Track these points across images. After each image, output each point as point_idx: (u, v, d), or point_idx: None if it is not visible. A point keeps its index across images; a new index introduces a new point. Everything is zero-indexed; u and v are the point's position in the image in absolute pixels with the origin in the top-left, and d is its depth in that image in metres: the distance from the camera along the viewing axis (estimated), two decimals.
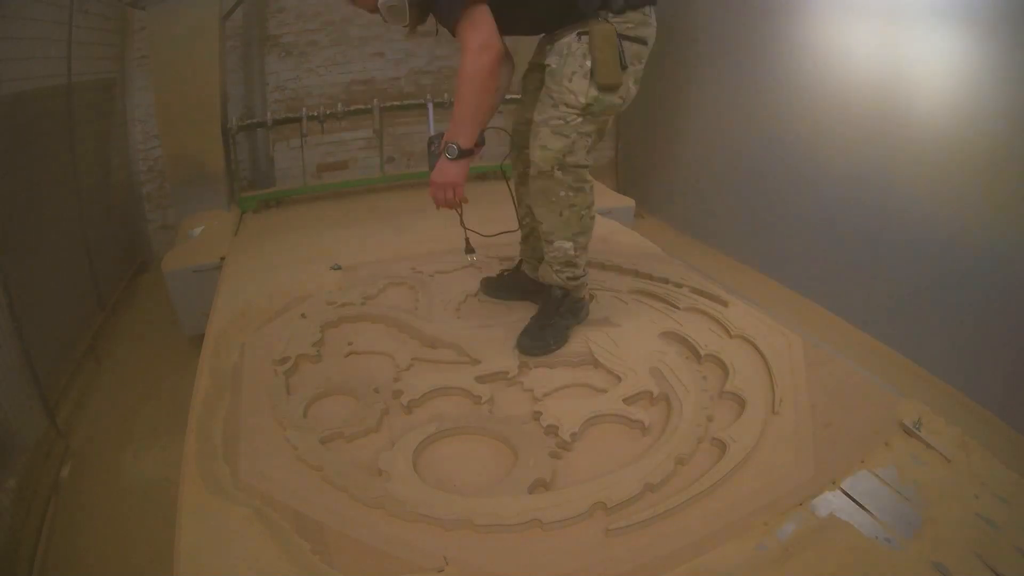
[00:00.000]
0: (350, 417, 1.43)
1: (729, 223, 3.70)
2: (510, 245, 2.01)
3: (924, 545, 1.06)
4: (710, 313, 1.83)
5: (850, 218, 2.85)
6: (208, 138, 3.08)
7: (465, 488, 1.22)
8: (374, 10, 1.49)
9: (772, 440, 1.31)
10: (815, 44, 2.96)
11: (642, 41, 1.53)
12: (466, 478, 1.26)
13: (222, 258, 2.63)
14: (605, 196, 3.45)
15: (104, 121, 3.47)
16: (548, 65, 1.55)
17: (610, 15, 1.47)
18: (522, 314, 1.89)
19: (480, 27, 1.39)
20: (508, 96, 1.80)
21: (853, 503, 1.16)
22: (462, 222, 1.76)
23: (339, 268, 2.29)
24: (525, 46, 1.90)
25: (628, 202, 3.39)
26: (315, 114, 3.29)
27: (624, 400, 1.45)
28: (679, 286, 2.02)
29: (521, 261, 1.98)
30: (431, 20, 1.54)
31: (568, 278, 1.70)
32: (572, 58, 1.49)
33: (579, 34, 1.49)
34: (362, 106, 3.42)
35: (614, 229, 2.68)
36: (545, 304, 1.74)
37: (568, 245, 1.65)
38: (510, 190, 1.91)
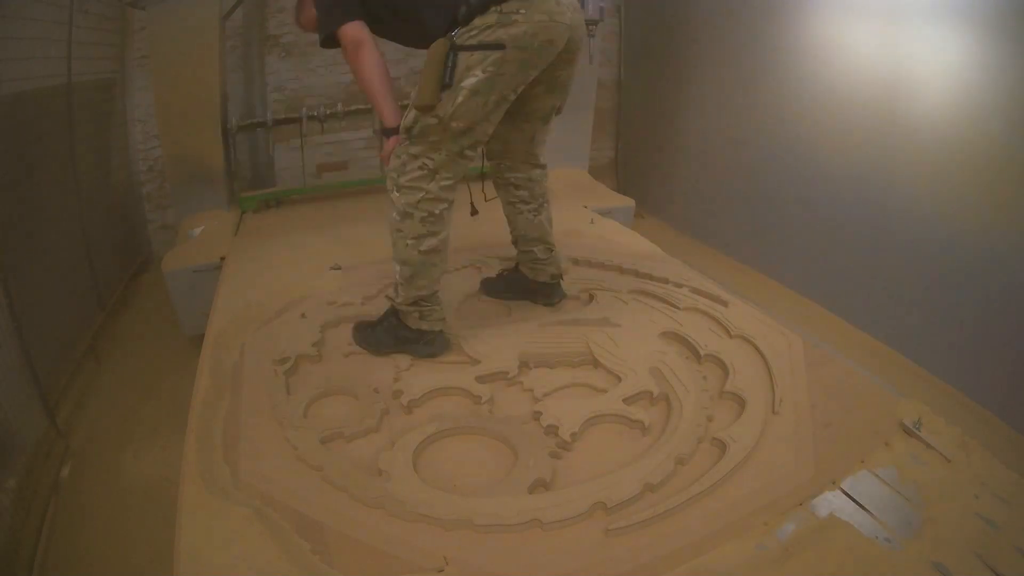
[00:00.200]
0: (350, 417, 1.43)
1: (729, 223, 3.70)
2: (510, 246, 2.00)
3: (924, 545, 1.06)
4: (710, 313, 1.83)
5: (850, 218, 2.85)
6: (208, 138, 3.08)
7: (465, 488, 1.22)
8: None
9: (772, 440, 1.31)
10: (815, 44, 2.96)
11: (493, 46, 1.39)
12: (466, 478, 1.26)
13: (222, 258, 2.62)
14: (605, 196, 3.45)
15: (104, 121, 3.47)
16: None
17: (457, 29, 1.40)
18: (522, 314, 1.89)
19: (346, 31, 1.49)
20: None
21: (853, 503, 1.16)
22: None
23: (339, 268, 2.28)
24: None
25: (628, 202, 3.39)
26: (315, 114, 3.29)
27: (624, 400, 1.45)
28: (679, 286, 2.02)
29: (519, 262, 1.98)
30: None
31: (390, 297, 1.68)
32: None
33: None
34: (362, 106, 3.42)
35: (614, 229, 2.68)
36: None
37: (397, 268, 1.60)
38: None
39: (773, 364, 1.57)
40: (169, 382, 2.59)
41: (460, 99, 1.42)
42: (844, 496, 1.17)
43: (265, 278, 2.23)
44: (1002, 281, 2.22)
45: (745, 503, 1.16)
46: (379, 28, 1.57)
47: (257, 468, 1.27)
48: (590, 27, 3.39)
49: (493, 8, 1.38)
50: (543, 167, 1.85)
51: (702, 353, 1.64)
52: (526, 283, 1.94)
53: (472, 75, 1.40)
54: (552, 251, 1.89)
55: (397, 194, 1.55)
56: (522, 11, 1.38)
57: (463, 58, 1.40)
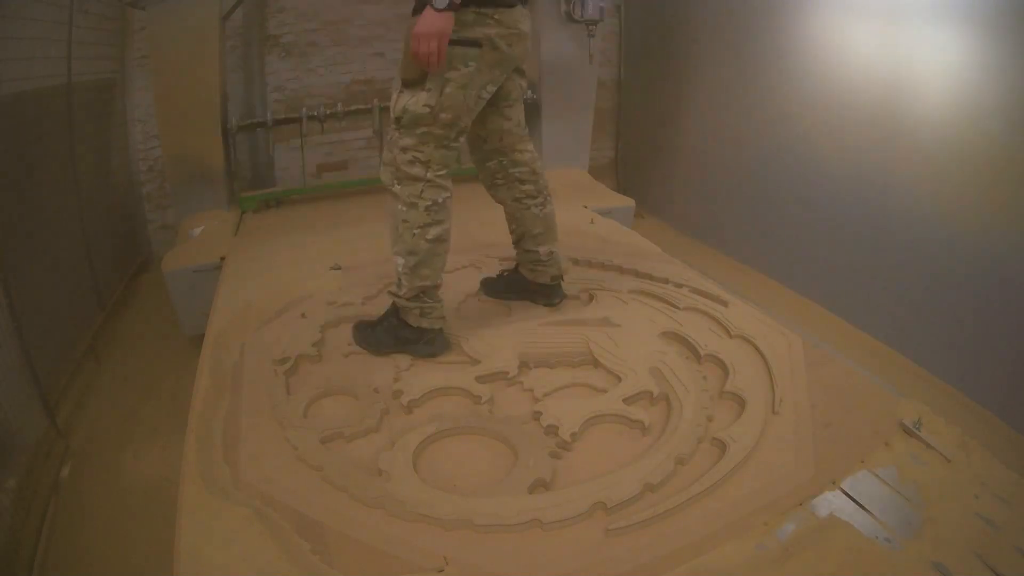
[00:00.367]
0: (350, 417, 1.43)
1: (729, 223, 3.70)
2: (510, 246, 2.00)
3: (924, 545, 1.06)
4: (710, 313, 1.83)
5: (850, 218, 2.85)
6: (208, 138, 3.08)
7: (465, 488, 1.22)
8: None
9: (772, 440, 1.31)
10: (815, 44, 2.96)
11: (471, 43, 1.48)
12: (466, 478, 1.26)
13: (222, 258, 2.62)
14: (605, 196, 3.45)
15: (104, 121, 3.47)
16: None
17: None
18: (522, 314, 1.89)
19: None
20: None
21: (853, 503, 1.16)
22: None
23: (339, 268, 2.29)
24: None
25: (628, 202, 3.39)
26: (315, 114, 3.29)
27: (624, 400, 1.45)
28: (679, 286, 2.02)
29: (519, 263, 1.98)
30: None
31: (393, 292, 1.69)
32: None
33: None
34: (362, 106, 3.42)
35: (614, 229, 2.68)
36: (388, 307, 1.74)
37: (400, 261, 1.62)
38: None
39: (773, 364, 1.57)
40: (169, 382, 2.59)
41: (448, 90, 1.50)
42: (844, 496, 1.17)
43: (265, 278, 2.24)
44: (1002, 281, 2.22)
45: (745, 503, 1.16)
46: None
47: (257, 468, 1.27)
48: (590, 27, 3.40)
49: (472, 7, 1.46)
50: (531, 141, 1.86)
51: (702, 353, 1.64)
52: (526, 284, 1.94)
53: (455, 69, 1.49)
54: (554, 252, 1.89)
55: (399, 187, 1.59)
56: (496, 16, 1.50)
57: (447, 52, 1.47)
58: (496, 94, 1.67)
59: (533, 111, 3.60)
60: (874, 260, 2.75)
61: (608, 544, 1.09)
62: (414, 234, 1.60)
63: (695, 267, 2.29)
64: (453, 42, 1.46)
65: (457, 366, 1.64)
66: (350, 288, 2.09)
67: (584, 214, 2.87)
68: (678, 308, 1.88)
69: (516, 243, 1.92)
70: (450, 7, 1.41)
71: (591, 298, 1.96)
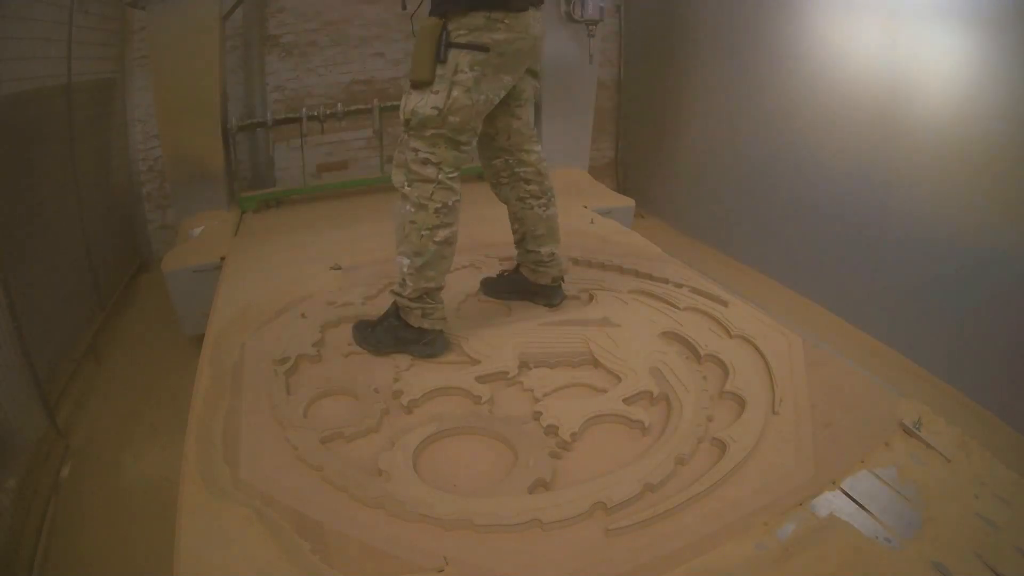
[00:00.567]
0: (350, 417, 1.43)
1: (729, 223, 3.70)
2: (510, 245, 2.01)
3: (924, 545, 1.06)
4: (710, 313, 1.83)
5: (850, 218, 2.85)
6: (208, 138, 3.08)
7: (465, 488, 1.22)
8: None
9: (772, 440, 1.31)
10: (815, 44, 2.96)
11: (479, 48, 1.49)
12: (466, 478, 1.26)
13: (222, 258, 2.62)
14: (605, 196, 3.45)
15: (104, 121, 3.47)
16: None
17: (447, 17, 1.48)
18: (522, 314, 1.89)
19: None
20: None
21: (853, 503, 1.16)
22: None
23: (339, 268, 2.29)
24: None
25: (628, 202, 3.39)
26: (315, 114, 3.29)
27: (624, 400, 1.45)
28: (679, 286, 2.02)
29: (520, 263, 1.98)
30: None
31: (396, 292, 1.68)
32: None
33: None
34: (362, 106, 3.42)
35: (614, 229, 2.68)
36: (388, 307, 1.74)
37: (405, 262, 1.62)
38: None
39: (773, 364, 1.57)
40: (169, 382, 2.59)
41: (455, 94, 1.50)
42: (844, 496, 1.17)
43: (265, 278, 2.23)
44: (1002, 281, 2.22)
45: (745, 503, 1.16)
46: None
47: (257, 468, 1.27)
48: (590, 27, 3.40)
49: (483, 12, 1.46)
50: (539, 143, 1.87)
51: (702, 353, 1.64)
52: (527, 284, 1.94)
53: (462, 73, 1.50)
54: (555, 253, 1.89)
55: (409, 188, 1.59)
56: (506, 21, 1.50)
57: (453, 55, 1.49)
58: (508, 94, 1.67)
59: (533, 111, 3.59)
60: (874, 260, 2.75)
61: (608, 544, 1.09)
62: (422, 235, 1.60)
63: (695, 267, 2.29)
64: (462, 46, 1.47)
65: (457, 366, 1.64)
66: (350, 288, 2.09)
67: (584, 214, 2.87)
68: (678, 308, 1.88)
69: (518, 243, 1.92)
70: None
71: (591, 298, 1.96)
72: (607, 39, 4.26)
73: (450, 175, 1.59)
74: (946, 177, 2.41)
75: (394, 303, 1.70)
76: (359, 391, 1.52)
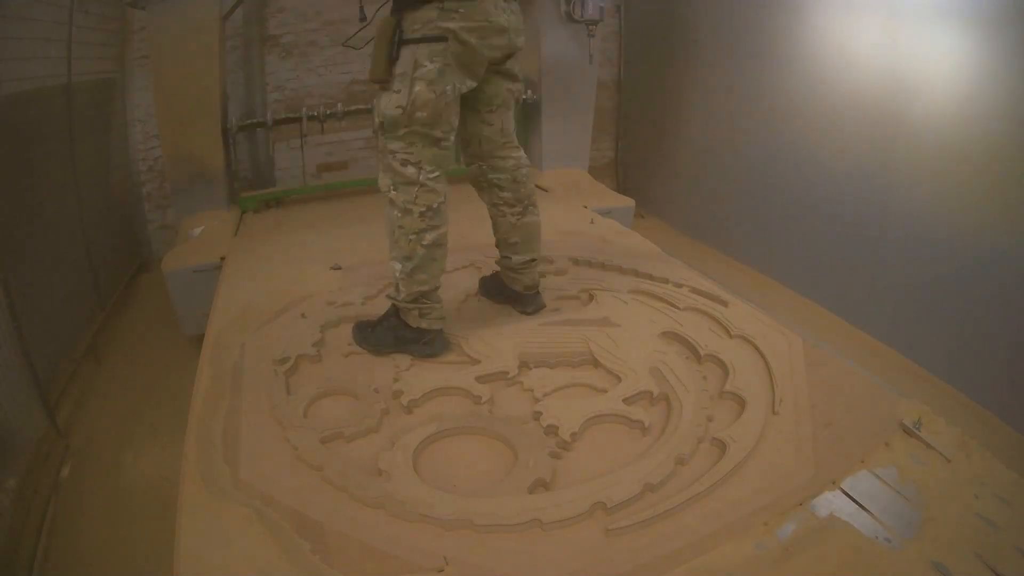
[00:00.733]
0: (350, 417, 1.43)
1: (729, 223, 3.70)
2: None
3: (924, 545, 1.06)
4: (710, 313, 1.83)
5: (850, 218, 2.85)
6: (208, 138, 3.08)
7: (465, 488, 1.22)
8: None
9: (772, 440, 1.31)
10: (815, 44, 2.97)
11: (435, 39, 1.48)
12: (466, 478, 1.26)
13: (222, 258, 2.62)
14: (605, 196, 3.45)
15: (104, 121, 3.47)
16: None
17: (404, 13, 1.48)
18: (522, 314, 1.89)
19: None
20: None
21: (853, 503, 1.16)
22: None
23: (339, 268, 2.29)
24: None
25: (628, 202, 3.39)
26: (315, 114, 3.29)
27: (624, 400, 1.45)
28: (679, 286, 2.02)
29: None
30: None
31: (392, 296, 1.69)
32: None
33: None
34: (362, 106, 3.42)
35: (614, 229, 2.68)
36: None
37: (397, 266, 1.62)
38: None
39: (773, 364, 1.56)
40: (169, 382, 2.59)
41: (417, 89, 1.50)
42: (844, 496, 1.17)
43: (265, 278, 2.23)
44: (1002, 281, 2.22)
45: (745, 503, 1.15)
46: None
47: (257, 468, 1.27)
48: (590, 27, 3.40)
49: (435, 3, 1.46)
50: (519, 149, 1.82)
51: (702, 353, 1.64)
52: (504, 288, 1.93)
53: (423, 66, 1.49)
54: (532, 262, 1.86)
55: (395, 192, 1.59)
56: (460, 10, 1.48)
57: (411, 50, 1.49)
58: (477, 98, 1.66)
59: (533, 111, 3.60)
60: (874, 260, 2.75)
61: (608, 544, 1.09)
62: (410, 240, 1.59)
63: (695, 267, 2.29)
64: (417, 40, 1.47)
65: (457, 366, 1.63)
66: (350, 288, 2.09)
67: (584, 214, 2.87)
68: (678, 308, 1.88)
69: (497, 246, 1.91)
70: None
71: (591, 298, 1.96)
72: (607, 39, 4.27)
73: (431, 175, 1.58)
74: (946, 177, 2.41)
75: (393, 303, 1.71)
76: (359, 391, 1.52)
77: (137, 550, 1.78)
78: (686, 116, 3.99)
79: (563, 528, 1.11)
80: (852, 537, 1.08)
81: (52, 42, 2.70)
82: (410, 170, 1.56)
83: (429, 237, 1.60)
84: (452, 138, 1.62)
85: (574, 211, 2.90)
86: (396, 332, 1.68)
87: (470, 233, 2.18)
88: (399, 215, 1.59)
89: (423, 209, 1.58)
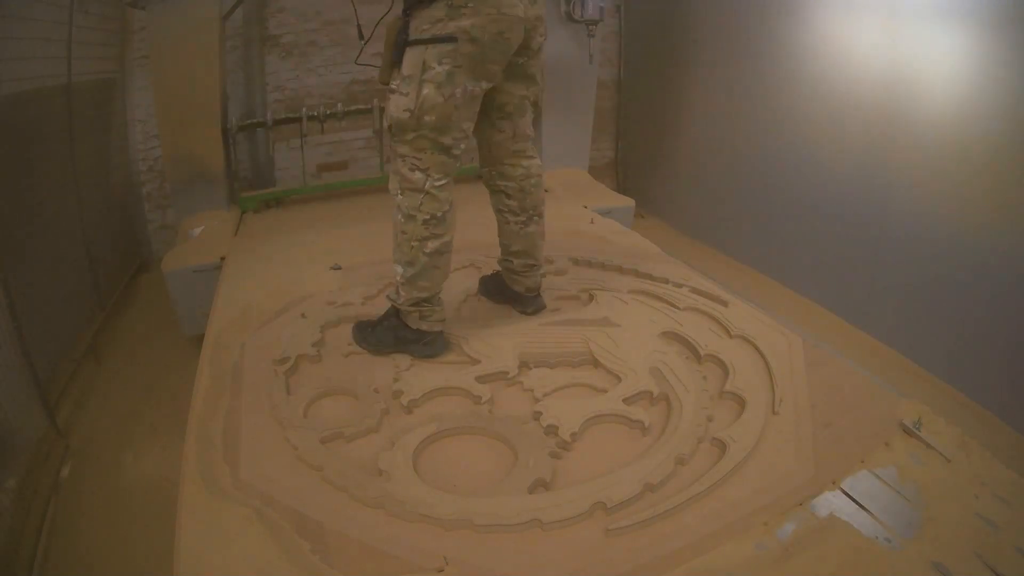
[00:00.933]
0: (350, 417, 1.43)
1: (729, 223, 3.70)
2: None
3: (924, 545, 1.06)
4: (710, 313, 1.83)
5: (850, 218, 2.85)
6: (208, 138, 3.08)
7: (465, 488, 1.22)
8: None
9: (772, 440, 1.31)
10: (815, 44, 2.96)
11: (444, 39, 1.42)
12: (466, 478, 1.26)
13: (222, 258, 2.62)
14: (605, 196, 3.45)
15: (104, 121, 3.47)
16: None
17: (409, 14, 1.45)
18: (522, 314, 1.89)
19: None
20: None
21: (853, 503, 1.16)
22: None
23: (339, 268, 2.29)
24: None
25: (628, 202, 3.39)
26: (315, 114, 3.29)
27: (624, 400, 1.45)
28: (679, 286, 2.02)
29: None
30: None
31: (392, 298, 1.68)
32: None
33: None
34: (362, 106, 3.42)
35: (614, 229, 2.68)
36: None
37: (399, 270, 1.61)
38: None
39: (773, 364, 1.56)
40: (169, 382, 2.59)
41: (425, 92, 1.46)
42: (844, 496, 1.17)
43: (265, 278, 2.23)
44: (1002, 281, 2.22)
45: (745, 503, 1.16)
46: None
47: (257, 468, 1.27)
48: (590, 27, 3.40)
49: (443, 2, 1.41)
50: (533, 158, 1.79)
51: (702, 353, 1.64)
52: (505, 289, 1.93)
53: (430, 68, 1.45)
54: (533, 267, 1.86)
55: (401, 197, 1.58)
56: (470, 5, 1.41)
57: (419, 52, 1.45)
58: (489, 103, 1.63)
59: (533, 111, 3.59)
60: (874, 260, 2.75)
61: (608, 544, 1.09)
62: (412, 246, 1.58)
63: (695, 267, 2.29)
64: (425, 41, 1.43)
65: (457, 366, 1.63)
66: (350, 288, 2.09)
67: (584, 214, 2.87)
68: (678, 308, 1.88)
69: (500, 247, 1.91)
70: None
71: (591, 298, 1.96)
72: (607, 39, 4.26)
73: (438, 183, 1.55)
74: (946, 177, 2.41)
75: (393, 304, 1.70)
76: (359, 391, 1.52)
77: (137, 550, 1.78)
78: (686, 116, 3.99)
79: (563, 528, 1.11)
80: (852, 537, 1.08)
81: (52, 42, 2.70)
82: (417, 176, 1.54)
83: (432, 245, 1.58)
84: (463, 146, 1.58)
85: (574, 211, 2.90)
86: (396, 332, 1.68)
87: (470, 233, 2.18)
88: (403, 220, 1.58)
89: (427, 217, 1.56)
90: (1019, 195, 2.16)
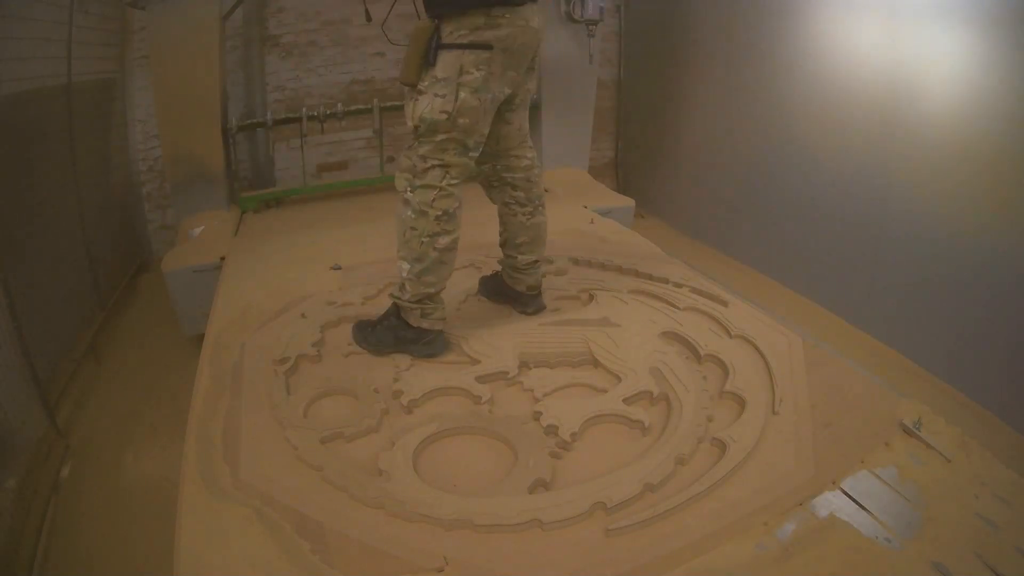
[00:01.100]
0: (350, 417, 1.43)
1: (729, 223, 3.70)
2: None
3: (924, 545, 1.06)
4: (710, 313, 1.83)
5: (851, 218, 2.85)
6: (208, 138, 3.08)
7: (465, 488, 1.22)
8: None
9: (772, 440, 1.31)
10: (815, 44, 2.96)
11: (482, 47, 1.48)
12: (466, 478, 1.26)
13: (222, 258, 2.63)
14: (605, 196, 3.45)
15: (104, 121, 3.47)
16: None
17: (442, 19, 1.48)
18: (522, 314, 1.89)
19: None
20: None
21: (853, 503, 1.16)
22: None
23: (339, 268, 2.29)
24: None
25: (628, 202, 3.39)
26: (315, 114, 3.29)
27: (624, 400, 1.45)
28: (679, 286, 2.02)
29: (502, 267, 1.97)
30: None
31: (395, 296, 1.68)
32: None
33: None
34: (362, 106, 3.42)
35: (614, 229, 2.68)
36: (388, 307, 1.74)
37: (405, 266, 1.62)
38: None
39: (773, 364, 1.56)
40: (169, 382, 2.59)
41: (463, 95, 1.49)
42: (844, 496, 1.17)
43: (265, 278, 2.23)
44: (1002, 281, 2.22)
45: (745, 503, 1.16)
46: None
47: (257, 468, 1.27)
48: (590, 27, 3.40)
49: (482, 10, 1.46)
50: (533, 148, 1.84)
51: (702, 353, 1.64)
52: (505, 288, 1.93)
53: (468, 73, 1.49)
54: (537, 263, 1.86)
55: (411, 193, 1.59)
56: (507, 16, 1.48)
57: (456, 56, 1.48)
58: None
59: (533, 111, 3.59)
60: (874, 260, 2.75)
61: (608, 544, 1.09)
62: (422, 242, 1.59)
63: (695, 267, 2.29)
64: (464, 46, 1.47)
65: (457, 366, 1.63)
66: (350, 288, 2.09)
67: (584, 214, 2.87)
68: (678, 308, 1.88)
69: (501, 246, 1.91)
70: None
71: (591, 298, 1.96)
72: (607, 39, 4.26)
73: (453, 181, 1.58)
74: (946, 177, 2.41)
75: (394, 303, 1.70)
76: (359, 391, 1.52)
77: (137, 550, 1.78)
78: (686, 116, 3.99)
79: (563, 528, 1.11)
80: (852, 537, 1.08)
81: (52, 42, 2.70)
82: (435, 173, 1.56)
83: (443, 241, 1.60)
84: (480, 149, 1.62)
85: (574, 211, 2.90)
86: (396, 332, 1.68)
87: (469, 233, 2.18)
88: (414, 216, 1.59)
89: (439, 213, 1.57)
90: (1019, 195, 2.16)
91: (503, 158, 1.78)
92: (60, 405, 2.41)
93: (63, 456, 2.19)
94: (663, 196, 4.30)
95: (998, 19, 2.16)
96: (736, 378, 1.52)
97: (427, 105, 1.50)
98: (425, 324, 1.66)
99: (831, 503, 1.16)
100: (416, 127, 1.54)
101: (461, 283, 2.07)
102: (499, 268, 2.00)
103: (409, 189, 1.59)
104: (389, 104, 3.33)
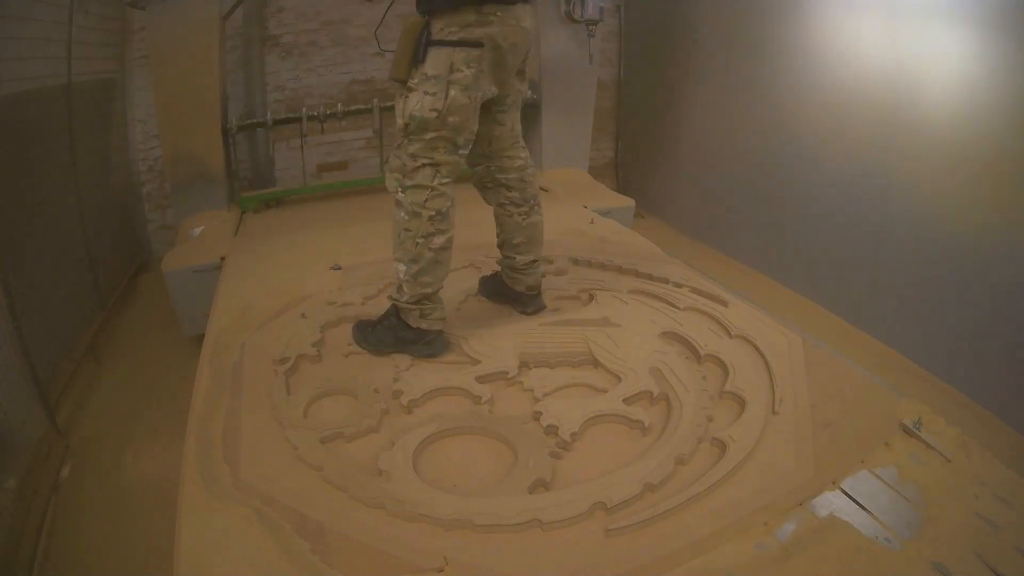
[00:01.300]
0: (350, 417, 1.43)
1: (729, 223, 3.71)
2: None
3: (924, 545, 1.06)
4: (710, 313, 1.83)
5: (851, 218, 2.85)
6: (208, 138, 3.08)
7: (465, 488, 1.22)
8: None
9: (772, 440, 1.31)
10: (815, 44, 2.97)
11: (473, 44, 1.47)
12: (466, 478, 1.26)
13: (222, 258, 2.63)
14: (605, 196, 3.45)
15: (104, 121, 3.47)
16: None
17: (435, 14, 1.46)
18: (522, 314, 1.89)
19: None
20: None
21: (853, 503, 1.16)
22: None
23: (339, 268, 2.29)
24: None
25: (628, 202, 3.39)
26: (315, 114, 3.29)
27: (624, 400, 1.45)
28: (679, 286, 2.01)
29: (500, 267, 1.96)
30: None
31: (394, 297, 1.68)
32: None
33: None
34: (362, 106, 3.42)
35: (614, 229, 2.68)
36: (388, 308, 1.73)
37: (401, 268, 1.62)
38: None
39: (773, 364, 1.56)
40: (169, 382, 2.59)
41: (452, 93, 1.48)
42: (844, 496, 1.17)
43: (265, 278, 2.23)
44: (1002, 281, 2.23)
45: (745, 503, 1.15)
46: None
47: (257, 468, 1.27)
48: (590, 27, 3.40)
49: (473, 7, 1.45)
50: (525, 148, 1.83)
51: (702, 353, 1.64)
52: (505, 289, 1.93)
53: (458, 71, 1.48)
54: (535, 263, 1.86)
55: (403, 194, 1.58)
56: (498, 13, 1.47)
57: (446, 53, 1.47)
58: (491, 99, 1.65)
59: (533, 111, 3.60)
60: (874, 260, 2.75)
61: (608, 544, 1.09)
62: (417, 243, 1.59)
63: (695, 267, 2.29)
64: (455, 43, 1.46)
65: (457, 366, 1.63)
66: (350, 288, 2.09)
67: (584, 214, 2.87)
68: (678, 308, 1.88)
69: (499, 247, 1.91)
70: None
71: (591, 298, 1.96)
72: (607, 39, 4.27)
73: (444, 180, 1.57)
74: (946, 177, 2.41)
75: (390, 306, 1.70)
76: (359, 391, 1.52)
77: (137, 550, 1.78)
78: (686, 116, 4.00)
79: (563, 528, 1.11)
80: (852, 537, 1.08)
81: (52, 42, 2.70)
82: (426, 172, 1.55)
83: (437, 241, 1.60)
84: (470, 148, 1.61)
85: (574, 211, 2.90)
86: (396, 332, 1.68)
87: (470, 233, 2.18)
88: (407, 217, 1.58)
89: (432, 213, 1.57)
90: (1019, 195, 2.17)
91: (496, 159, 1.77)
92: (60, 405, 2.41)
93: (63, 456, 2.19)
94: (663, 196, 4.30)
95: (998, 19, 2.16)
96: (736, 378, 1.52)
97: (417, 103, 1.50)
98: (424, 324, 1.66)
99: (831, 503, 1.16)
100: (406, 124, 1.53)
101: (461, 283, 2.07)
102: (499, 268, 2.00)
103: (400, 190, 1.58)
104: (389, 104, 3.32)
